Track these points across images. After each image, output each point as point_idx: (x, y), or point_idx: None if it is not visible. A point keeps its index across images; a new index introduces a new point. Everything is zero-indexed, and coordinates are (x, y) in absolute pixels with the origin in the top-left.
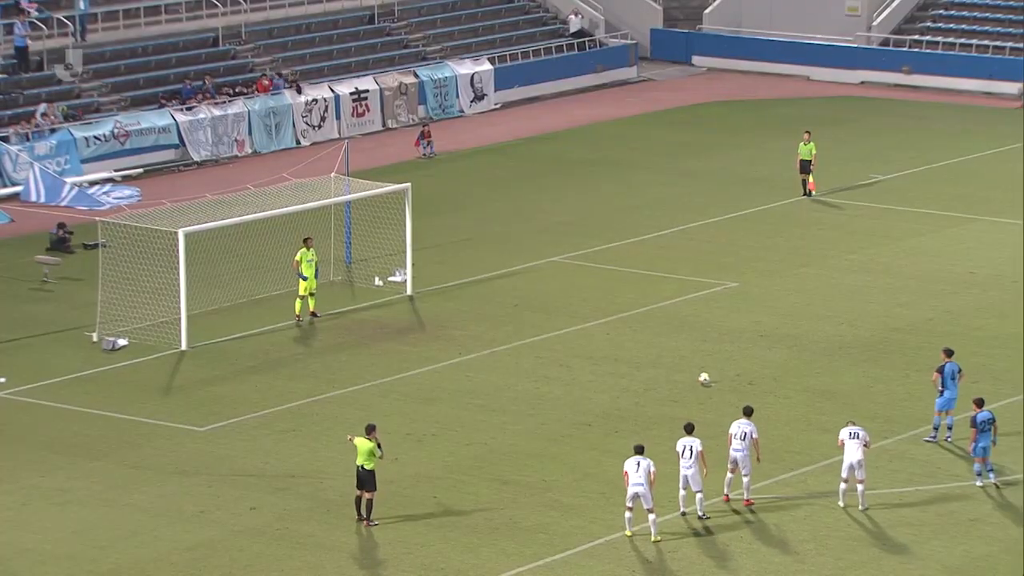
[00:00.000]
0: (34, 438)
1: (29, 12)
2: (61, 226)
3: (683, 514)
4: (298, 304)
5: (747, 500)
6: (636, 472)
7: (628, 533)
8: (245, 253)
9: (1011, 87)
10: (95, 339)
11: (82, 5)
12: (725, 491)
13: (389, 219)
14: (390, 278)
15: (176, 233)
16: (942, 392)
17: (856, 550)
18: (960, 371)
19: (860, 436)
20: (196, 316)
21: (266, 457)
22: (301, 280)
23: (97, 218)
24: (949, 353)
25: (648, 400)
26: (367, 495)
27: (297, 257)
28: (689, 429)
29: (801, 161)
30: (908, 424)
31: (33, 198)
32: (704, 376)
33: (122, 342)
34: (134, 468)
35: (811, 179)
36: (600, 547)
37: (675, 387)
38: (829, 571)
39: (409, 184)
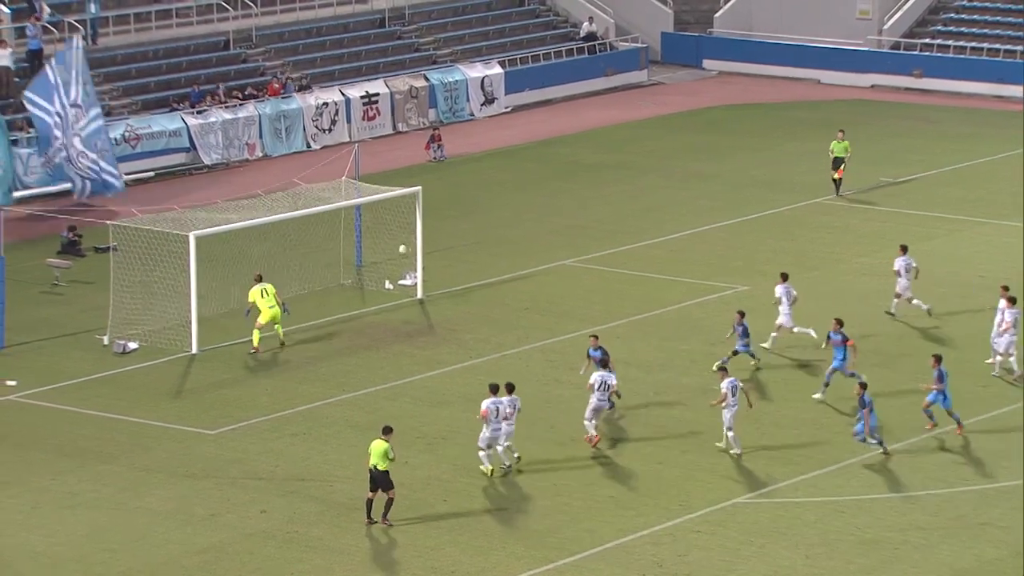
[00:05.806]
0: (45, 441)
1: (41, 16)
2: (71, 229)
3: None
4: (256, 335)
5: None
6: (497, 414)
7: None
8: (256, 256)
9: (1020, 91)
10: (106, 342)
11: (93, 9)
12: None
13: (399, 223)
14: (400, 281)
15: (187, 236)
16: None
17: (866, 554)
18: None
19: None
20: (206, 319)
21: (277, 460)
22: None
23: (108, 221)
24: (742, 315)
25: (658, 403)
26: (388, 494)
27: (251, 298)
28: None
29: (835, 158)
30: (918, 429)
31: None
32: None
33: (133, 345)
34: (145, 471)
35: (841, 169)
36: (610, 550)
37: (685, 390)
38: (839, 575)
39: (420, 187)
